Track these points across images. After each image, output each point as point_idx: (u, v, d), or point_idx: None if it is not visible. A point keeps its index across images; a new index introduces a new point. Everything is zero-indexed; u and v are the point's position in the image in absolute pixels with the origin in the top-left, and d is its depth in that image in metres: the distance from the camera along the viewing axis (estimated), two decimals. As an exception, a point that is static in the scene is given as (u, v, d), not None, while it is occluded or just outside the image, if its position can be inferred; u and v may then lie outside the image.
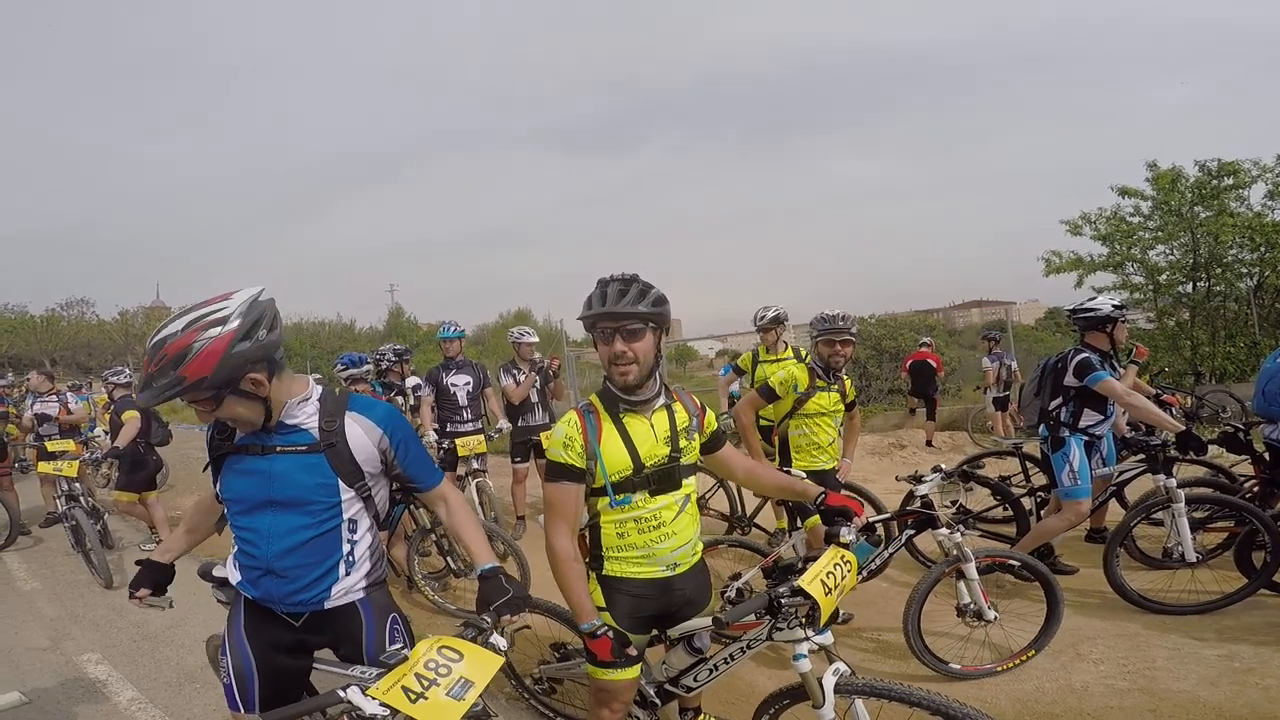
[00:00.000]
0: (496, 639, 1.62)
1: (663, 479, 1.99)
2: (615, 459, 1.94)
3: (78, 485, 6.05)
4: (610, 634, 1.91)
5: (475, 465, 5.61)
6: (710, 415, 2.19)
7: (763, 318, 5.23)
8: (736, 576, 3.45)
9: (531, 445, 5.95)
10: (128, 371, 7.16)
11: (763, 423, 4.57)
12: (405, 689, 1.41)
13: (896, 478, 3.86)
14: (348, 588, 1.85)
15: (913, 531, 3.56)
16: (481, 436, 5.60)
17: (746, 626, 2.00)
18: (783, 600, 1.85)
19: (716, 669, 2.09)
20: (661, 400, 2.04)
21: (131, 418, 5.76)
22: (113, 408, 7.05)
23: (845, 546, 2.03)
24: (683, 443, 2.03)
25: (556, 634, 2.74)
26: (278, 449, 1.75)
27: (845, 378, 3.88)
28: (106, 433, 7.07)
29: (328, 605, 1.83)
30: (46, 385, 7.86)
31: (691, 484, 2.10)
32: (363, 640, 1.88)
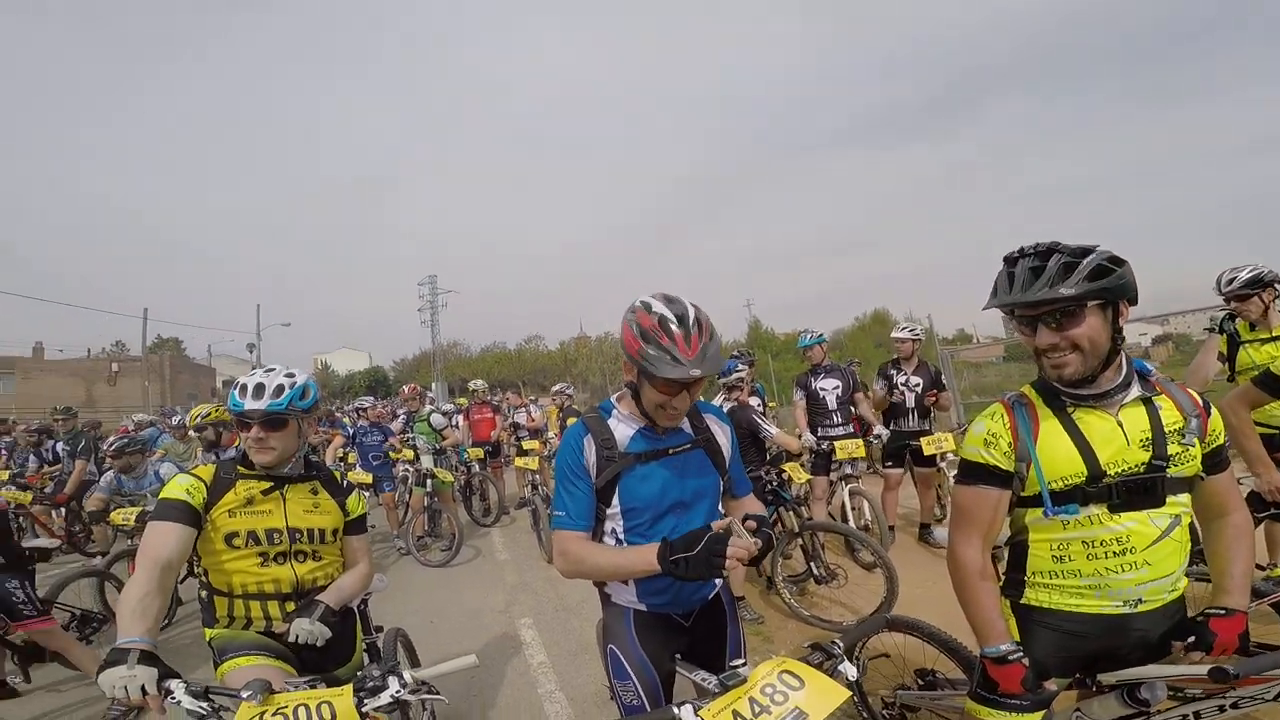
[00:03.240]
0: (846, 667, 1.46)
1: (1135, 492, 1.58)
2: (1059, 461, 1.60)
3: (537, 476, 7.91)
4: (1025, 661, 1.59)
5: (848, 470, 5.45)
6: (1216, 417, 1.65)
7: (1232, 281, 3.73)
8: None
9: (908, 451, 5.60)
10: (570, 388, 9.20)
11: (1261, 429, 3.30)
12: (736, 713, 1.35)
13: None
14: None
15: None
16: (860, 441, 5.40)
17: (1254, 681, 1.48)
18: None
19: None
20: (1135, 391, 1.61)
21: (575, 423, 7.28)
22: (561, 415, 9.14)
23: None
24: (1173, 448, 1.58)
25: (928, 659, 2.45)
26: (669, 451, 1.82)
27: None
28: (557, 435, 9.07)
29: (710, 596, 1.93)
30: (517, 401, 10.63)
31: (1184, 502, 1.62)
32: (727, 633, 1.93)
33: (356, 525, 2.33)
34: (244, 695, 1.44)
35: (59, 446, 8.39)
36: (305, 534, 2.15)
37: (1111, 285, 1.50)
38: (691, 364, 1.60)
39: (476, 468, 8.71)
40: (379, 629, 2.60)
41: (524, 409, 10.12)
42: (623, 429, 1.82)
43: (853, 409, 5.74)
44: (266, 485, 2.14)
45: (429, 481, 6.99)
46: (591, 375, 39.01)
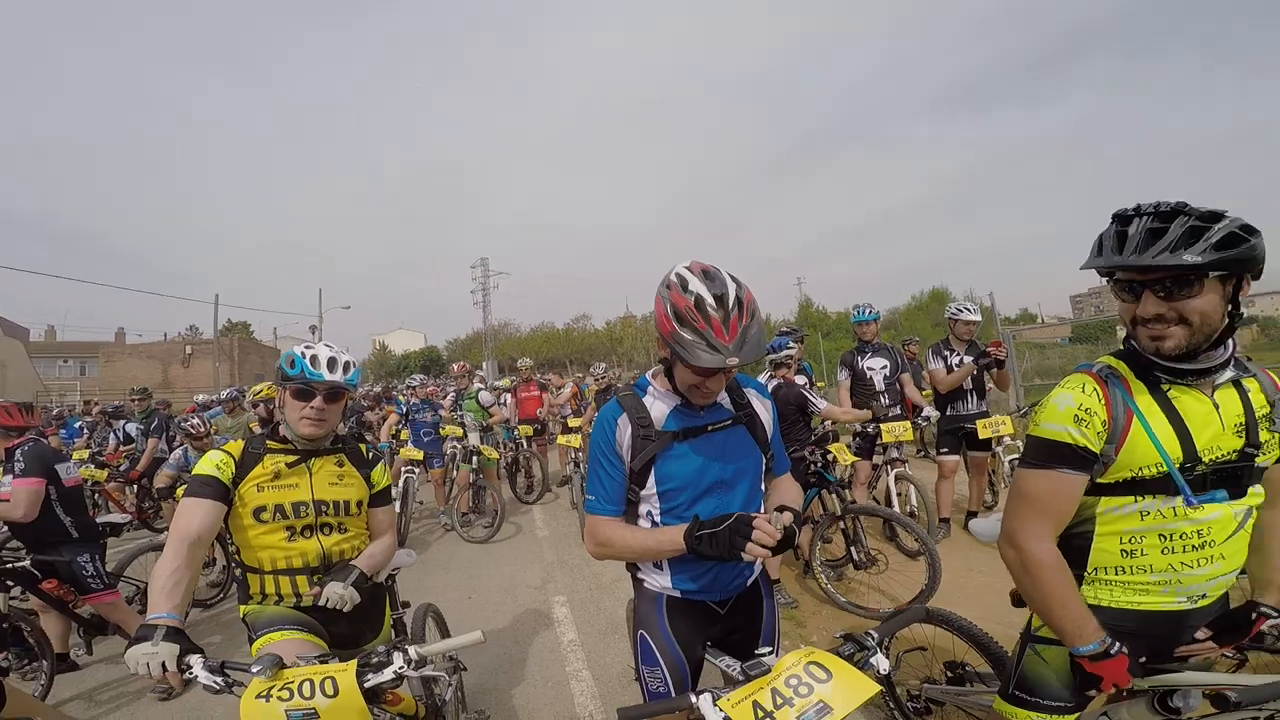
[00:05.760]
0: (879, 660, 1.38)
1: (1225, 481, 1.45)
2: (1155, 445, 1.45)
3: (580, 454, 7.96)
4: (1126, 651, 1.47)
5: (895, 454, 5.26)
6: None
7: None
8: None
9: (963, 436, 5.37)
10: (605, 366, 9.21)
11: None
12: (756, 704, 1.28)
13: None
14: (759, 564, 1.85)
15: None
16: (907, 424, 5.22)
17: None
18: None
19: None
20: (1230, 372, 1.47)
21: (609, 402, 7.33)
22: (596, 394, 9.17)
23: None
24: (1263, 435, 1.48)
25: (958, 653, 2.37)
26: (709, 428, 1.73)
27: None
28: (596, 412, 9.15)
29: (748, 583, 1.86)
30: (559, 381, 10.73)
31: (1259, 492, 1.52)
32: (761, 620, 1.87)
33: (381, 497, 2.32)
34: (254, 670, 1.48)
35: (130, 426, 8.91)
36: (331, 506, 2.16)
37: (1242, 256, 1.32)
38: (729, 351, 1.50)
39: (524, 444, 8.84)
40: (406, 604, 2.63)
41: (563, 389, 10.22)
42: (659, 406, 1.75)
43: (900, 390, 5.53)
44: (293, 458, 2.16)
45: (475, 458, 7.12)
46: (637, 354, 39.17)
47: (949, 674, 2.40)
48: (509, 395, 9.74)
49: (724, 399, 1.80)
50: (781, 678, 1.31)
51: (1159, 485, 1.43)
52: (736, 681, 1.41)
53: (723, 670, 1.71)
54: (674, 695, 1.70)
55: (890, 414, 5.37)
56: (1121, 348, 1.55)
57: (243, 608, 2.15)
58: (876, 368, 5.47)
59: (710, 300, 1.52)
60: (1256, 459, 1.45)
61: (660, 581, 1.81)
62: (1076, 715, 1.60)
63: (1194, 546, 1.46)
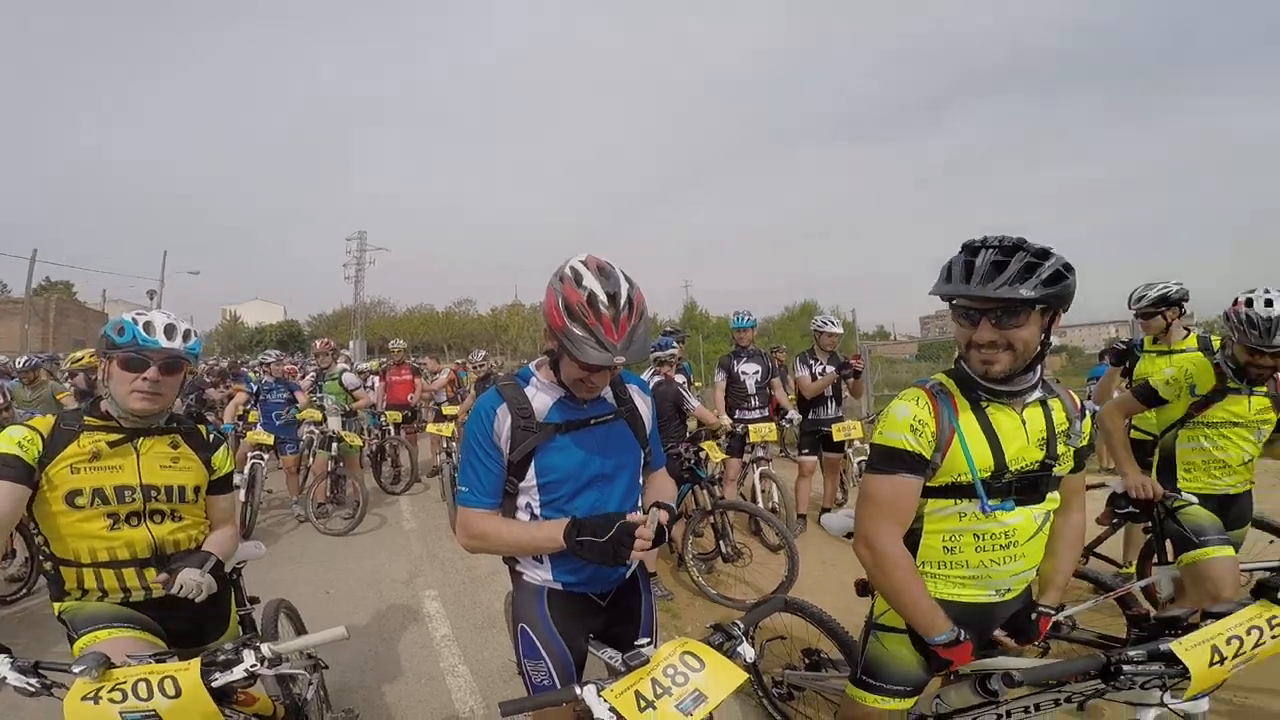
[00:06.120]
0: (745, 649, 1.47)
1: (1026, 488, 1.64)
2: (975, 455, 1.61)
3: (452, 443, 7.68)
4: (969, 638, 1.64)
5: (760, 453, 5.58)
6: (1089, 421, 1.75)
7: (1141, 299, 3.97)
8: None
9: (820, 438, 5.79)
10: (485, 353, 8.97)
11: (1135, 435, 3.61)
12: (638, 694, 1.33)
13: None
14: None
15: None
16: (773, 425, 5.55)
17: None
18: (1126, 668, 1.41)
19: (1008, 717, 1.71)
20: (1038, 393, 1.65)
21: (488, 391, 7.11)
22: (475, 383, 8.91)
23: None
24: (1061, 448, 1.67)
25: (813, 640, 2.55)
26: (592, 421, 1.75)
27: None
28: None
29: (627, 576, 1.90)
30: (435, 365, 10.32)
31: (1056, 498, 1.72)
32: (640, 612, 1.91)
33: (223, 484, 2.15)
34: (77, 670, 1.33)
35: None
36: (162, 491, 1.95)
37: (1062, 293, 1.50)
38: (617, 350, 1.53)
39: (392, 431, 8.39)
40: (254, 600, 2.44)
41: (439, 374, 9.86)
42: (542, 398, 1.73)
43: (769, 394, 5.88)
44: (116, 437, 1.92)
45: (335, 445, 6.65)
46: (522, 343, 38.52)
47: (806, 660, 2.57)
48: (377, 378, 9.21)
49: (607, 393, 1.82)
50: (660, 668, 1.37)
51: (973, 490, 1.62)
52: (619, 673, 1.45)
53: (606, 662, 1.75)
54: (559, 686, 1.72)
55: (757, 416, 5.68)
56: (953, 366, 1.73)
57: (57, 605, 1.91)
58: (750, 372, 5.78)
59: (603, 298, 1.54)
60: (1054, 469, 1.66)
61: (541, 575, 1.81)
62: (915, 699, 1.78)
63: (1001, 546, 1.64)
